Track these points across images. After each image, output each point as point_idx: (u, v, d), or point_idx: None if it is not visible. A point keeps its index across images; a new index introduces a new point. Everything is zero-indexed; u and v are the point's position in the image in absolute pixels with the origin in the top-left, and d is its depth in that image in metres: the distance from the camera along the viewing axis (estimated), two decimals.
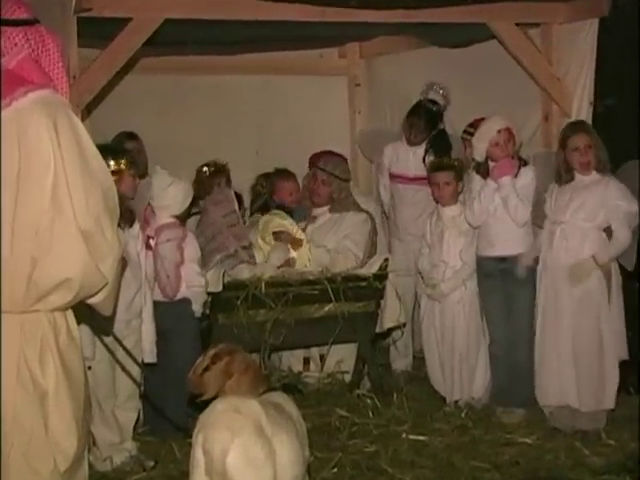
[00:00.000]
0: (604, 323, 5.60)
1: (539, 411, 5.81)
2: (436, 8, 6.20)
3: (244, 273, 6.14)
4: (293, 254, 6.45)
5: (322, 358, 6.75)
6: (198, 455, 3.32)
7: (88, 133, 2.82)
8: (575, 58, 6.48)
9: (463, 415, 5.88)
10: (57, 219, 2.68)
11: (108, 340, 4.29)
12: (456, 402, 6.12)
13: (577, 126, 5.82)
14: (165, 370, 5.42)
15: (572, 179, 5.68)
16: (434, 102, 7.04)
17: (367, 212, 6.71)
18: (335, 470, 5.05)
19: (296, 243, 6.46)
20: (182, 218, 5.84)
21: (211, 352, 3.76)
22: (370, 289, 6.30)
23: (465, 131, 6.49)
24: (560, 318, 5.65)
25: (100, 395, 5.06)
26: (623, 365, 5.69)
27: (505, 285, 5.92)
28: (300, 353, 6.80)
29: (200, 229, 6.25)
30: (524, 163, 5.95)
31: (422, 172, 6.78)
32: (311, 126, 7.88)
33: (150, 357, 5.33)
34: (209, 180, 6.58)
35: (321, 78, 8.22)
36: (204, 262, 5.90)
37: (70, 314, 2.86)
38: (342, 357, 6.66)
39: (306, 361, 6.81)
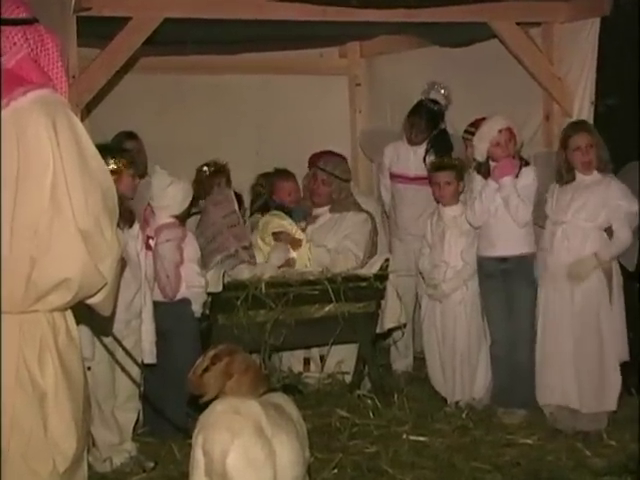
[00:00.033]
0: (605, 324, 5.59)
1: (540, 412, 5.80)
2: (437, 7, 6.19)
3: (244, 273, 6.13)
4: (293, 254, 6.44)
5: (322, 359, 6.74)
6: (198, 456, 3.32)
7: (88, 133, 2.82)
8: (576, 58, 6.47)
9: (464, 416, 5.87)
10: (56, 219, 2.67)
11: (108, 340, 4.28)
12: (457, 403, 6.11)
13: (578, 125, 5.82)
14: (165, 371, 5.41)
15: (573, 179, 5.67)
16: (435, 102, 7.04)
17: (367, 212, 6.70)
18: (335, 471, 5.05)
19: (295, 243, 6.45)
20: (182, 218, 5.83)
21: (211, 353, 3.75)
22: (371, 289, 6.29)
23: (466, 131, 6.47)
24: (561, 318, 5.65)
25: (100, 396, 5.05)
26: (624, 366, 5.68)
27: (506, 285, 5.91)
28: (300, 354, 6.79)
29: (200, 230, 6.24)
30: (525, 163, 5.94)
31: (423, 172, 6.77)
32: (311, 126, 7.87)
33: (150, 358, 5.32)
34: (209, 180, 6.58)
35: (321, 78, 8.22)
36: (204, 262, 5.90)
37: (69, 314, 2.85)
38: (342, 358, 6.66)
39: (306, 362, 6.80)
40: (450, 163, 6.30)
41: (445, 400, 6.20)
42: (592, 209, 5.57)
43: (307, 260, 6.45)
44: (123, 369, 4.53)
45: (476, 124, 6.16)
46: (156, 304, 5.44)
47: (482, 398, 6.12)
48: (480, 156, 5.95)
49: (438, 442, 5.48)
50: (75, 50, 5.56)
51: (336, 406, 6.03)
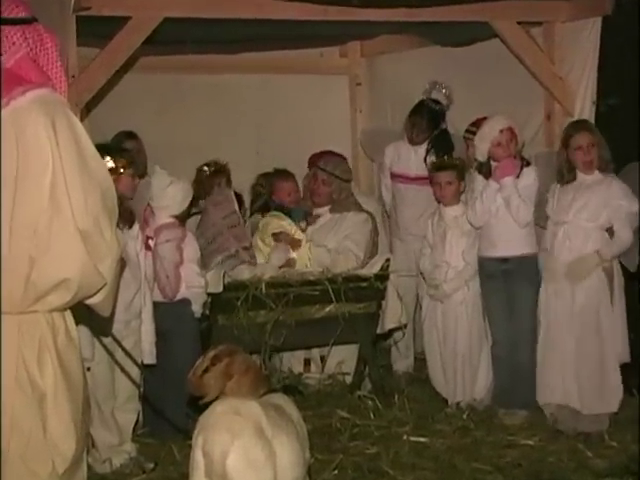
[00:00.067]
0: (605, 324, 5.58)
1: (541, 413, 5.80)
2: (438, 7, 6.18)
3: (244, 274, 6.12)
4: (293, 255, 6.43)
5: (323, 359, 6.73)
6: (198, 457, 3.32)
7: (87, 132, 2.81)
8: (578, 57, 6.45)
9: (465, 417, 5.87)
10: (55, 218, 2.66)
11: (107, 341, 4.28)
12: (458, 403, 6.09)
13: (580, 125, 5.81)
14: (165, 371, 5.40)
15: (574, 179, 5.67)
16: (437, 102, 7.04)
17: (368, 212, 6.69)
18: (336, 472, 5.04)
19: (295, 243, 6.44)
20: (181, 218, 5.82)
21: (211, 353, 3.74)
22: (371, 290, 6.28)
23: (467, 130, 6.46)
24: (562, 319, 5.63)
25: (99, 396, 5.04)
26: (625, 367, 5.66)
27: (507, 286, 5.90)
28: (301, 354, 6.78)
29: (200, 230, 6.24)
30: (526, 163, 5.93)
31: (424, 172, 6.76)
32: (312, 126, 7.86)
33: (149, 358, 5.31)
34: (209, 180, 6.57)
35: (322, 77, 8.20)
36: (205, 263, 5.90)
37: (69, 315, 2.85)
38: (343, 358, 6.65)
39: (307, 362, 6.79)
40: (451, 163, 6.29)
41: (446, 401, 6.19)
42: (593, 209, 5.56)
43: (307, 260, 6.44)
44: (123, 370, 4.52)
45: (477, 124, 6.15)
46: (156, 304, 5.43)
47: (483, 399, 6.11)
48: (481, 156, 5.94)
49: (439, 443, 5.47)
50: (75, 49, 5.55)
51: (337, 407, 6.03)
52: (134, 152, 6.05)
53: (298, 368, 6.80)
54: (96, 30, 5.66)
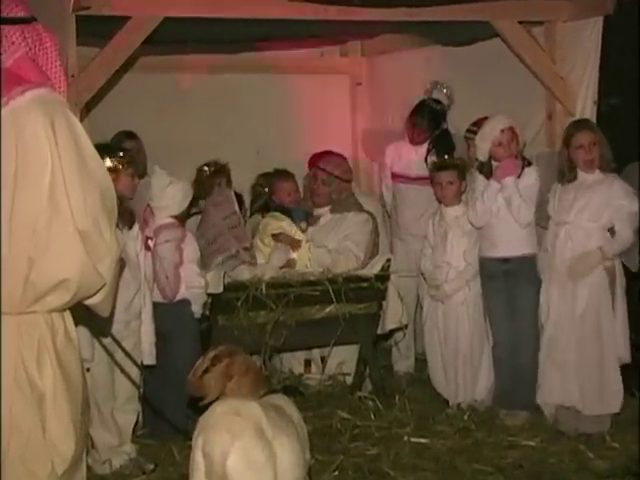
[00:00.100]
0: (606, 325, 5.57)
1: (543, 414, 5.77)
2: (438, 6, 6.16)
3: (244, 274, 6.11)
4: (293, 255, 6.42)
5: (323, 360, 6.71)
6: (198, 458, 3.32)
7: (87, 132, 2.81)
8: (579, 57, 6.44)
9: (466, 417, 5.86)
10: (54, 219, 2.66)
11: (107, 342, 4.27)
12: (459, 404, 6.08)
13: (582, 123, 5.80)
14: (164, 372, 5.39)
15: (575, 178, 5.65)
16: (438, 101, 7.03)
17: (369, 212, 6.68)
18: (336, 473, 5.04)
19: (295, 244, 6.43)
20: (181, 218, 5.81)
21: (211, 354, 3.74)
22: (372, 290, 6.27)
23: (468, 130, 6.45)
24: (564, 319, 5.61)
25: (99, 397, 5.03)
26: (627, 368, 5.65)
27: (508, 286, 5.89)
28: (301, 355, 6.77)
29: (201, 231, 6.23)
30: (528, 163, 5.92)
31: (424, 172, 6.75)
32: (312, 125, 7.86)
33: (149, 359, 5.31)
34: (209, 180, 6.57)
35: (322, 77, 8.20)
36: (205, 264, 5.88)
37: (68, 315, 2.84)
38: (343, 359, 6.63)
39: (307, 363, 6.78)
40: (452, 163, 6.28)
41: (447, 402, 6.18)
42: (595, 209, 5.54)
43: (307, 261, 6.43)
44: (122, 370, 4.51)
45: (478, 123, 6.14)
46: (156, 305, 5.42)
47: (484, 400, 6.10)
48: (482, 156, 5.93)
49: (440, 444, 5.46)
50: (74, 49, 5.54)
51: (337, 408, 6.02)
52: (134, 152, 6.04)
53: (298, 369, 6.78)
54: (96, 30, 5.65)
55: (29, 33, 2.81)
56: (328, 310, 6.14)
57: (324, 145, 6.96)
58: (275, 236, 6.44)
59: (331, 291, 6.08)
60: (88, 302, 2.83)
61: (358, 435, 5.62)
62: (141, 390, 5.20)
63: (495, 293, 5.95)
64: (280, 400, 3.69)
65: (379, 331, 6.48)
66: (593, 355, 5.57)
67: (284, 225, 6.51)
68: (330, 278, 6.16)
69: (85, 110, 6.04)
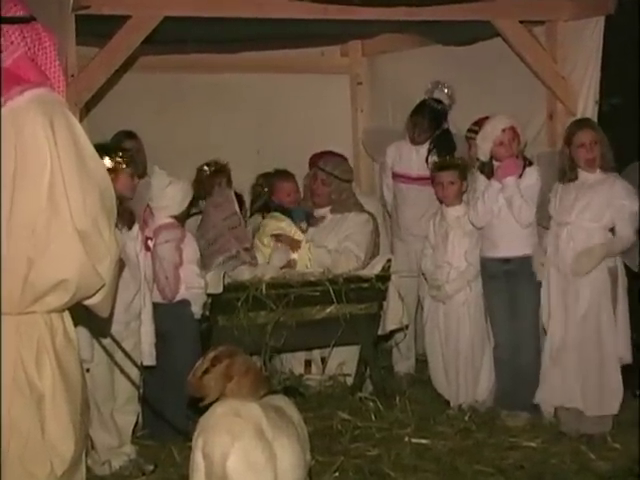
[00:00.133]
0: (607, 325, 5.56)
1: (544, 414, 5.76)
2: (439, 5, 6.16)
3: (244, 274, 6.10)
4: (294, 255, 6.41)
5: (324, 361, 6.71)
6: (198, 459, 3.33)
7: (86, 132, 2.81)
8: (580, 56, 6.44)
9: (467, 418, 5.85)
10: (53, 219, 2.65)
11: (107, 342, 4.25)
12: (460, 405, 6.07)
13: (583, 122, 5.79)
14: (164, 373, 5.38)
15: (576, 177, 5.64)
16: (439, 101, 7.03)
17: (369, 213, 6.67)
18: (337, 474, 5.03)
19: (295, 244, 6.42)
20: (181, 219, 5.81)
21: (211, 354, 3.73)
22: (372, 290, 6.26)
23: (469, 130, 6.45)
24: (566, 320, 5.60)
25: (99, 398, 5.02)
26: (628, 369, 5.64)
27: (509, 287, 5.88)
28: (301, 355, 6.76)
29: (201, 232, 6.23)
30: (529, 163, 5.91)
31: (425, 172, 6.75)
32: (312, 125, 7.85)
33: (149, 359, 5.30)
34: (209, 180, 6.57)
35: (323, 76, 8.19)
36: (205, 264, 5.87)
37: (67, 315, 2.84)
38: (344, 359, 6.62)
39: (307, 364, 6.77)
40: (453, 163, 6.27)
41: (448, 402, 6.17)
42: (597, 209, 5.53)
43: (307, 261, 6.42)
44: (122, 371, 4.49)
45: (479, 123, 6.13)
46: (155, 305, 5.41)
47: (485, 400, 6.10)
48: (483, 156, 5.92)
49: (440, 445, 5.46)
50: (74, 49, 5.55)
51: (337, 408, 6.01)
52: (133, 152, 6.02)
53: (299, 369, 6.77)
54: (95, 29, 5.65)
55: (28, 33, 2.80)
56: (328, 311, 6.13)
57: (324, 145, 6.95)
58: (275, 237, 6.43)
59: (331, 291, 6.07)
60: (87, 302, 2.82)
61: (359, 436, 5.61)
62: (141, 391, 5.20)
63: (496, 293, 5.94)
64: (280, 401, 3.69)
65: (380, 332, 6.47)
66: (594, 355, 5.56)
67: (284, 225, 6.50)
68: (330, 278, 6.16)
69: (85, 110, 6.04)
